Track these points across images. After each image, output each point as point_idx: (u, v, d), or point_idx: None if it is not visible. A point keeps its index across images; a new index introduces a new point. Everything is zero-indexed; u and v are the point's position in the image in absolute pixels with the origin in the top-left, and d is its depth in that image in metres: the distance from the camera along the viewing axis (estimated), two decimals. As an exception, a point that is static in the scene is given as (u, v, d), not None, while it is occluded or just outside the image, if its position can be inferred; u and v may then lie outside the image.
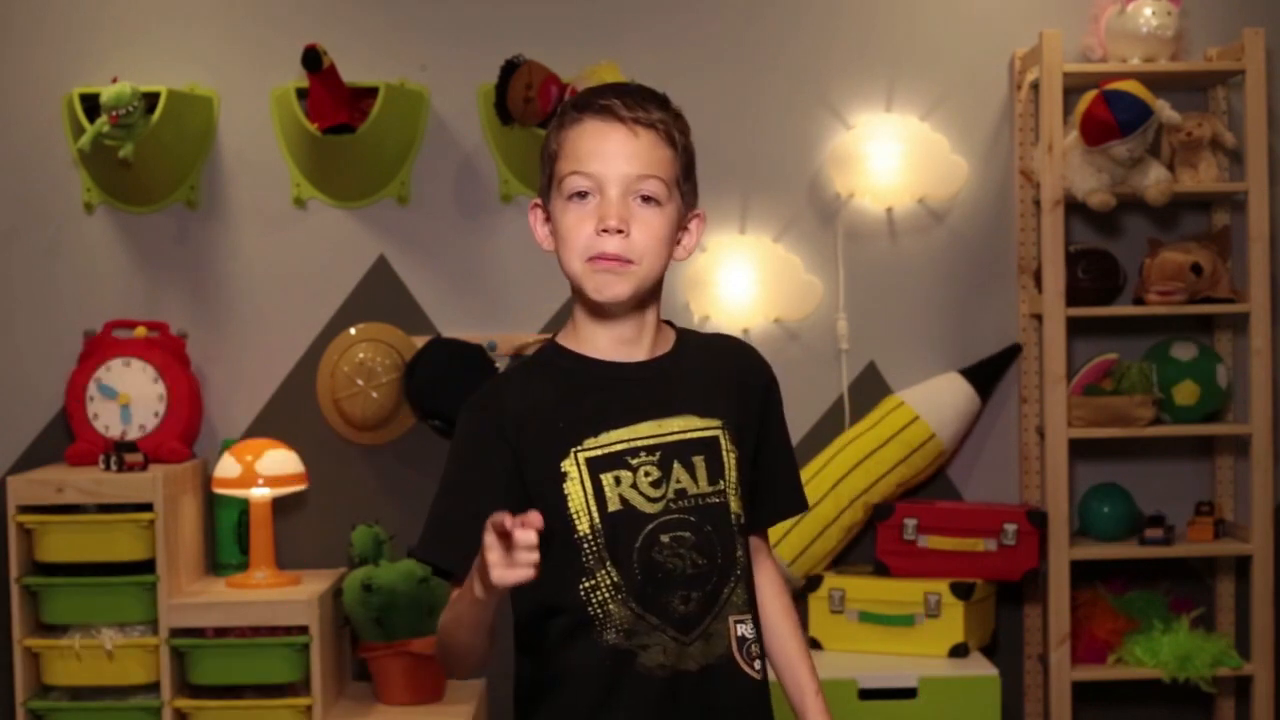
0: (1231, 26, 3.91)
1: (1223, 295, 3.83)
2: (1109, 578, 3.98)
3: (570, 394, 1.89)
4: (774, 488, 2.00)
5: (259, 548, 3.73)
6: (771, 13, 4.00)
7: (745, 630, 1.90)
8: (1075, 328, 3.88)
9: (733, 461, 1.90)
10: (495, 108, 3.74)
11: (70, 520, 3.62)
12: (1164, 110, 3.71)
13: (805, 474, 3.83)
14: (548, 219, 1.91)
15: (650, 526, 1.85)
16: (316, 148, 3.84)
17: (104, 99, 3.68)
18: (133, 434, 3.82)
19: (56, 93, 3.91)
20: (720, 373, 1.96)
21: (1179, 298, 3.79)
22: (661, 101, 1.89)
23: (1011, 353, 4.00)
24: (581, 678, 1.86)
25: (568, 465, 1.85)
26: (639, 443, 1.87)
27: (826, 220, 4.01)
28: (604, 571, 1.84)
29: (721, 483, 1.89)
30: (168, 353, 3.86)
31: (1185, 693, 3.85)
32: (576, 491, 1.84)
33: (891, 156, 3.94)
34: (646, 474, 1.86)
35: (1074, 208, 3.88)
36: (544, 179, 1.91)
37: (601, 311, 1.89)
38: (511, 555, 1.64)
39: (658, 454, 1.87)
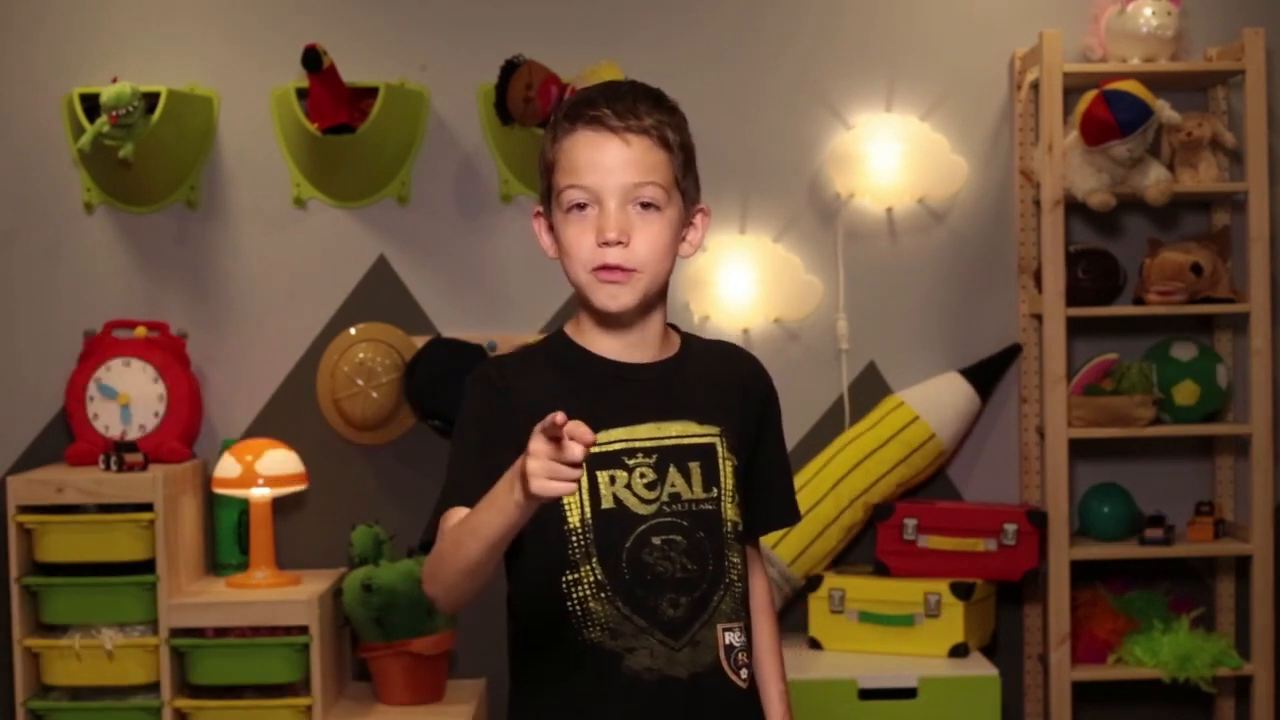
0: (1231, 26, 3.91)
1: (1223, 295, 3.83)
2: (1109, 578, 3.98)
3: (573, 388, 1.89)
4: (766, 498, 2.00)
5: (259, 548, 3.73)
6: (771, 13, 4.00)
7: (734, 639, 1.89)
8: (1075, 328, 3.88)
9: (729, 469, 1.90)
10: (495, 108, 3.74)
11: (70, 520, 3.62)
12: (1164, 110, 3.71)
13: (805, 474, 3.83)
14: (550, 227, 1.91)
15: (642, 528, 1.85)
16: (316, 148, 3.84)
17: (104, 99, 3.68)
18: (133, 434, 3.82)
19: (56, 93, 3.91)
20: (722, 380, 1.96)
21: (1179, 298, 3.79)
22: (655, 100, 1.87)
23: (1011, 353, 4.00)
24: (563, 675, 1.86)
25: None
26: (637, 444, 1.87)
27: (826, 220, 4.01)
28: (588, 567, 1.84)
29: (716, 490, 1.89)
30: (168, 353, 3.86)
31: (1185, 693, 3.85)
32: None
33: (891, 156, 3.94)
34: (642, 475, 1.86)
35: (1074, 208, 3.88)
36: (543, 187, 1.91)
37: (608, 319, 1.89)
38: (555, 465, 1.57)
39: (654, 456, 1.87)
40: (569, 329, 1.95)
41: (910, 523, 3.78)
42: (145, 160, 3.79)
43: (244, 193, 3.99)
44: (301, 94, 3.85)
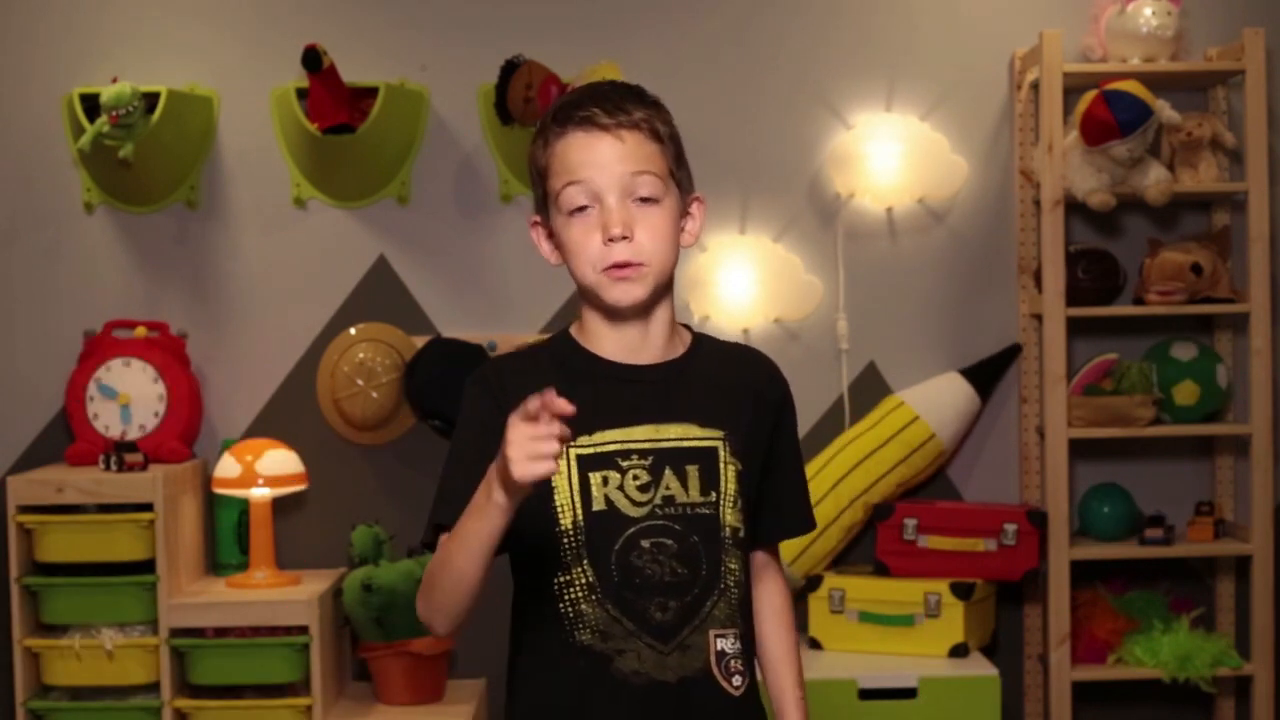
0: (1231, 26, 3.91)
1: (1223, 295, 3.83)
2: (1109, 578, 3.98)
3: (569, 388, 1.87)
4: (780, 505, 1.99)
5: (259, 548, 3.73)
6: (771, 13, 4.00)
7: (726, 645, 1.87)
8: (1075, 328, 3.88)
9: (731, 474, 1.89)
10: (495, 108, 3.74)
11: (70, 520, 3.62)
12: (1164, 110, 3.71)
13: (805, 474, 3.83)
14: (550, 234, 1.91)
15: (631, 530, 1.84)
16: (316, 148, 3.84)
17: (104, 99, 3.68)
18: (133, 434, 3.82)
19: (56, 93, 3.91)
20: (731, 383, 1.94)
21: (1179, 298, 3.79)
22: (637, 96, 1.88)
23: (1011, 353, 4.00)
24: (556, 676, 1.86)
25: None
26: (632, 445, 1.86)
27: (826, 220, 4.01)
28: (580, 569, 1.84)
29: (714, 494, 1.87)
30: (168, 353, 3.86)
31: (1185, 693, 3.85)
32: (564, 485, 1.84)
33: (891, 156, 3.94)
34: (635, 477, 1.85)
35: (1074, 208, 3.88)
36: (538, 195, 1.91)
37: (614, 314, 1.89)
38: (534, 444, 1.60)
39: (650, 458, 1.86)
40: (573, 330, 1.95)
41: (910, 523, 3.79)
42: (145, 160, 3.79)
43: (244, 193, 3.99)
44: (301, 94, 3.85)
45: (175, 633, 3.60)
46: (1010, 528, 3.75)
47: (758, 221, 3.99)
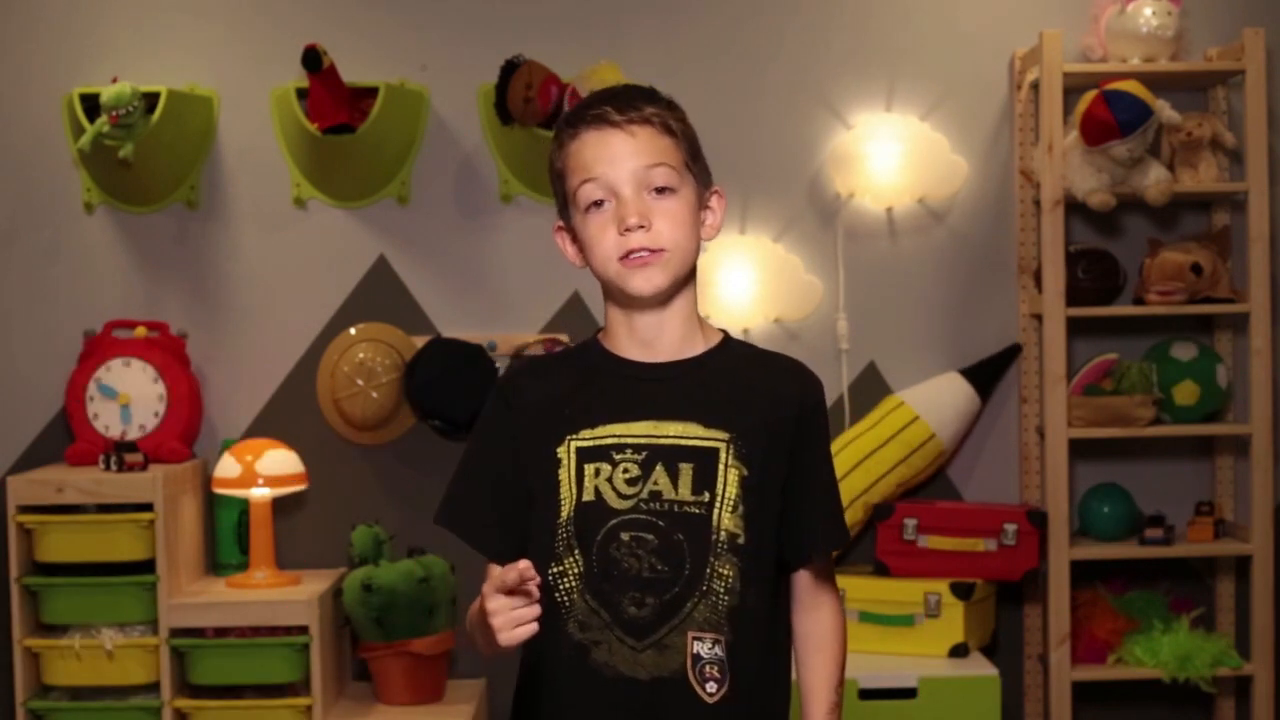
0: (1231, 26, 3.91)
1: (1223, 295, 3.83)
2: (1109, 578, 3.98)
3: (583, 385, 1.91)
4: (803, 519, 1.93)
5: (259, 548, 3.73)
6: (771, 13, 4.00)
7: (703, 649, 1.84)
8: (1075, 328, 3.88)
9: (733, 478, 1.87)
10: (495, 108, 3.74)
11: (70, 520, 3.62)
12: (1164, 110, 3.71)
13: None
14: (574, 238, 1.92)
15: (614, 521, 1.85)
16: (316, 148, 3.84)
17: (104, 99, 3.68)
18: (133, 434, 3.82)
19: (56, 93, 3.91)
20: (752, 388, 1.93)
21: (1179, 298, 3.79)
22: (649, 96, 1.90)
23: (1011, 353, 4.00)
24: (548, 665, 1.88)
25: (562, 451, 1.87)
26: (628, 440, 1.87)
27: (826, 220, 4.01)
28: (571, 559, 1.86)
29: (708, 495, 1.86)
30: (168, 353, 3.86)
31: (1185, 693, 3.85)
32: (566, 477, 1.87)
33: (891, 156, 3.94)
34: (625, 471, 1.86)
35: (1074, 208, 3.88)
36: (558, 200, 1.94)
37: (634, 305, 1.90)
38: (515, 614, 1.73)
39: (644, 454, 1.86)
40: (600, 334, 1.97)
41: (910, 523, 3.79)
42: (145, 160, 3.79)
43: (244, 193, 3.99)
44: (301, 94, 3.85)
45: (175, 633, 3.60)
46: (1010, 528, 3.75)
47: (758, 221, 3.99)
